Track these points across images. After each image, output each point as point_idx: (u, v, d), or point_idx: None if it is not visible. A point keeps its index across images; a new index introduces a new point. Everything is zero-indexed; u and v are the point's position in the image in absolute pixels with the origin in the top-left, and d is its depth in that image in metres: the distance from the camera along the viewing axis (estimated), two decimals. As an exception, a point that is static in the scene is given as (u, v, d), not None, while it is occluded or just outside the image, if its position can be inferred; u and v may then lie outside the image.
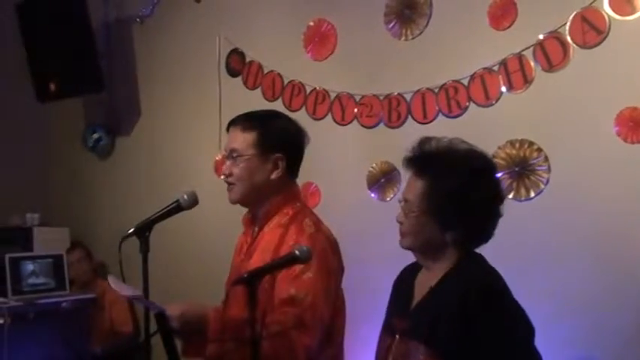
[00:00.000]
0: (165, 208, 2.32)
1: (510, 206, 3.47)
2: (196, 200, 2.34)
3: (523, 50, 3.52)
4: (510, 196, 3.53)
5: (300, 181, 4.25)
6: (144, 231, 2.27)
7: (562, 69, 3.42)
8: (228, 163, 2.50)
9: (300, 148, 2.55)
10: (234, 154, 2.47)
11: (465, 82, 3.71)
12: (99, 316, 4.93)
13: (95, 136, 5.51)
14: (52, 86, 4.97)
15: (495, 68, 3.61)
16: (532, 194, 3.50)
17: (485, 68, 3.64)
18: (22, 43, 5.21)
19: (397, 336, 2.08)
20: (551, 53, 3.44)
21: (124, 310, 4.93)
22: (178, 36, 5.12)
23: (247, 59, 4.66)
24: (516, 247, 3.49)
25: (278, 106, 4.37)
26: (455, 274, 2.04)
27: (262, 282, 2.21)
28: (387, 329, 2.17)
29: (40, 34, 5.11)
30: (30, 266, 4.64)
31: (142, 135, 5.44)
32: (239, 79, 4.70)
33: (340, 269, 2.49)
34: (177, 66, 5.13)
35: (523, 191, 3.52)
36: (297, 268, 2.26)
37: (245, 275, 1.96)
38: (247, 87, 4.65)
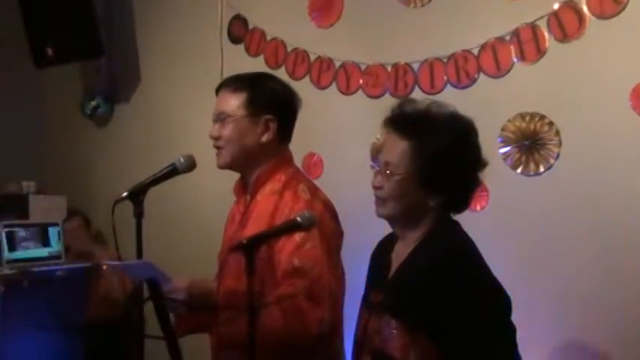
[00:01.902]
0: (161, 171, 2.22)
1: (519, 181, 3.48)
2: (194, 164, 2.24)
3: (537, 20, 3.40)
4: (519, 170, 3.45)
5: (302, 151, 4.26)
6: (138, 194, 2.17)
7: (577, 40, 3.30)
8: (216, 126, 2.40)
9: (292, 111, 2.45)
10: (223, 116, 2.38)
11: (476, 51, 3.59)
12: (98, 284, 4.85)
13: (93, 103, 5.39)
14: (50, 51, 4.84)
15: (507, 38, 3.49)
16: (542, 169, 3.39)
17: (496, 38, 3.52)
18: (18, 7, 5.07)
19: (374, 310, 1.98)
20: (566, 23, 3.32)
21: (122, 278, 4.86)
22: (180, 1, 4.99)
23: (250, 25, 4.53)
24: (523, 224, 3.43)
25: (281, 74, 4.20)
26: (427, 242, 1.94)
27: (261, 251, 2.12)
28: (365, 305, 2.08)
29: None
30: (24, 234, 4.54)
31: (141, 102, 5.32)
32: (241, 46, 4.58)
33: (340, 234, 2.40)
34: (178, 32, 5.00)
35: (532, 166, 3.42)
36: (298, 237, 2.17)
37: (244, 241, 1.86)
38: (249, 54, 4.53)
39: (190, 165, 2.24)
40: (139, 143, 5.26)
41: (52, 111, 5.84)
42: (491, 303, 1.85)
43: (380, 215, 2.00)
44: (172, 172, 2.22)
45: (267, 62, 4.41)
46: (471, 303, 1.80)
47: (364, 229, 2.03)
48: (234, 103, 2.37)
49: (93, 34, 4.94)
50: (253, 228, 2.26)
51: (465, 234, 1.98)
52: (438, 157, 1.89)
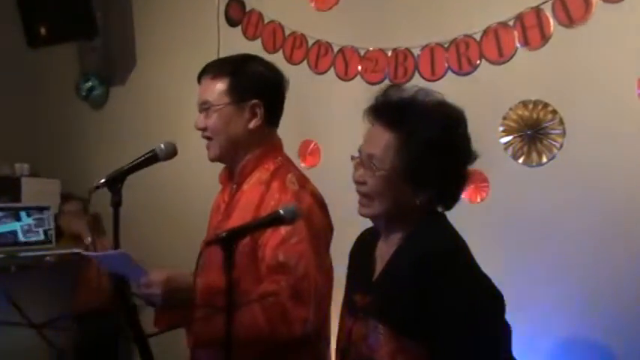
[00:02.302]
0: (140, 157, 2.13)
1: (520, 172, 3.37)
2: (174, 151, 2.15)
3: (541, 4, 3.28)
4: (520, 160, 3.35)
5: (299, 138, 4.15)
6: (116, 182, 2.07)
7: (583, 25, 3.18)
8: (201, 116, 2.28)
9: (279, 93, 2.34)
10: (206, 106, 2.26)
11: (478, 37, 3.47)
12: (88, 270, 4.75)
13: (88, 85, 5.30)
14: (43, 30, 4.72)
15: (510, 23, 3.37)
16: (544, 159, 3.28)
17: (499, 23, 3.40)
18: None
19: (360, 314, 1.86)
20: (572, 7, 3.20)
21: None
22: (177, -19, 4.87)
23: (247, 8, 4.42)
24: (524, 216, 3.33)
25: (278, 58, 4.14)
26: (413, 240, 1.81)
27: (243, 245, 2.02)
28: (349, 308, 1.95)
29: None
30: (14, 218, 4.44)
31: (137, 85, 5.21)
32: (238, 29, 4.46)
33: (329, 229, 2.29)
34: (175, 14, 4.90)
35: (534, 156, 3.31)
36: (283, 230, 2.06)
37: (223, 234, 1.75)
38: (247, 37, 4.41)
39: (171, 152, 2.14)
40: (134, 126, 5.15)
41: (47, 92, 5.74)
42: (482, 303, 1.73)
43: (365, 215, 1.87)
44: (152, 159, 2.13)
45: (264, 46, 4.30)
46: (461, 305, 1.69)
47: (363, 221, 1.91)
48: (216, 90, 2.26)
49: (87, 14, 4.83)
50: (238, 219, 2.15)
51: (452, 229, 1.85)
52: (426, 151, 1.76)
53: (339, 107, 3.99)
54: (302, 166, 4.03)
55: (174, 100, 4.90)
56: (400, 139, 1.78)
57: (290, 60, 4.16)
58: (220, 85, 2.25)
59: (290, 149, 4.28)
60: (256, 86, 2.26)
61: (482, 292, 1.74)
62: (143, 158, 2.12)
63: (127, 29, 5.19)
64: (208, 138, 2.29)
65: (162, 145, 2.13)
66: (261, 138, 2.29)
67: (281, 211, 1.82)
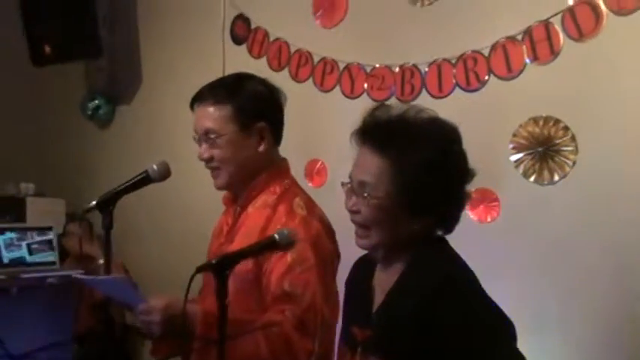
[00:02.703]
0: (133, 178, 2.06)
1: (532, 190, 3.25)
2: (168, 172, 2.08)
3: (550, 17, 3.18)
4: (532, 179, 3.24)
5: (305, 157, 4.07)
6: (107, 204, 2.00)
7: (594, 38, 3.07)
8: (204, 145, 2.19)
9: (281, 111, 2.27)
10: (211, 135, 2.17)
11: (486, 52, 3.38)
12: (92, 291, 4.68)
13: (94, 104, 5.25)
14: (47, 49, 4.68)
15: (519, 37, 3.28)
16: (556, 178, 3.17)
17: (507, 37, 3.31)
18: (17, 4, 4.93)
19: (359, 349, 1.76)
20: (582, 20, 3.09)
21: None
22: (183, 0, 4.84)
23: (253, 25, 4.36)
24: (536, 236, 3.22)
25: (284, 76, 4.10)
26: (415, 269, 1.70)
27: (246, 272, 1.94)
28: (346, 340, 1.85)
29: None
30: (17, 238, 4.36)
31: (143, 104, 5.17)
32: (244, 48, 4.41)
33: (337, 257, 2.21)
34: (180, 32, 4.85)
35: (546, 174, 3.20)
36: (289, 257, 1.99)
37: (213, 262, 1.67)
38: (252, 56, 4.35)
39: (164, 173, 2.08)
40: (140, 145, 5.11)
41: (52, 112, 5.70)
42: (491, 333, 1.63)
43: (362, 247, 1.78)
44: (145, 180, 2.07)
45: (269, 64, 4.24)
46: (468, 336, 1.59)
47: None
48: (220, 117, 2.17)
49: (92, 33, 4.81)
50: (241, 243, 2.08)
51: (456, 256, 1.75)
52: (420, 173, 1.67)
53: (346, 125, 3.88)
54: (309, 186, 3.95)
55: (180, 119, 4.81)
56: (392, 163, 1.69)
57: (295, 78, 4.10)
58: (223, 112, 2.17)
59: (296, 169, 4.21)
60: (260, 108, 2.20)
61: (491, 321, 1.64)
62: (136, 179, 2.07)
63: (133, 48, 5.16)
64: (215, 168, 2.20)
65: (154, 166, 2.06)
66: (269, 160, 2.22)
67: (276, 236, 1.74)
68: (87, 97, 5.34)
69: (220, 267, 1.66)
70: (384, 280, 1.79)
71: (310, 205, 2.21)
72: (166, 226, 4.81)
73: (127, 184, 2.07)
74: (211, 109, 2.18)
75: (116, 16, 5.23)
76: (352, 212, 1.76)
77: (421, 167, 1.67)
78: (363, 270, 1.89)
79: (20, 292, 4.09)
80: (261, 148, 2.19)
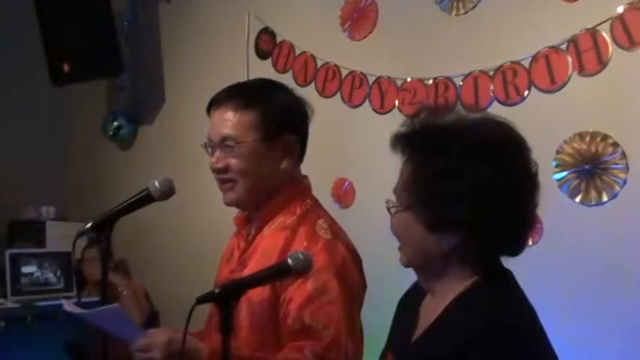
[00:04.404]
0: (132, 197, 1.85)
1: (578, 212, 2.98)
2: (171, 189, 1.87)
3: (598, 25, 2.97)
4: (578, 199, 3.02)
5: (331, 177, 3.86)
6: (104, 227, 1.78)
7: (646, 47, 2.86)
8: (219, 154, 1.97)
9: (306, 124, 2.04)
10: (230, 143, 1.94)
11: (526, 63, 3.18)
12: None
13: (116, 124, 5.09)
14: (67, 67, 4.54)
15: (563, 47, 3.07)
16: (605, 198, 2.95)
17: (550, 47, 3.10)
18: (36, 22, 4.81)
19: None
20: (633, 27, 2.88)
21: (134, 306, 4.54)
22: (206, 15, 4.69)
23: (278, 39, 4.19)
24: (583, 261, 3.00)
25: (310, 91, 3.91)
26: (464, 303, 1.45)
27: (262, 301, 1.71)
28: None
29: (55, 13, 4.68)
30: (34, 264, 4.21)
31: (165, 123, 5.01)
32: (269, 62, 4.24)
33: (363, 287, 1.98)
34: (204, 48, 4.71)
35: (594, 194, 2.97)
36: (310, 286, 1.77)
37: (216, 291, 1.44)
38: (277, 70, 4.17)
39: (168, 191, 1.86)
40: (163, 166, 4.93)
41: (74, 132, 5.61)
42: None
43: (401, 264, 1.57)
44: (146, 198, 1.86)
45: (295, 79, 4.05)
46: None
47: (405, 272, 1.59)
48: (242, 123, 1.95)
49: (113, 50, 4.69)
50: (256, 269, 1.85)
51: (517, 294, 1.50)
52: (434, 179, 1.44)
53: (375, 143, 3.69)
54: (335, 207, 3.74)
55: (204, 138, 4.67)
56: (415, 169, 1.47)
57: (322, 93, 3.92)
58: (245, 118, 1.94)
59: (322, 189, 3.97)
60: (289, 118, 1.97)
61: None
62: (135, 198, 1.86)
63: (156, 67, 5.02)
64: (229, 180, 1.98)
65: (156, 183, 1.85)
66: (290, 177, 2.00)
67: (289, 261, 1.51)
68: (108, 117, 5.20)
69: (225, 297, 1.43)
70: (429, 307, 1.55)
71: (335, 228, 1.98)
72: (191, 250, 4.62)
73: (126, 203, 1.86)
74: (233, 113, 1.96)
75: (138, 32, 5.10)
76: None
77: (436, 172, 1.44)
78: (415, 293, 1.66)
79: (35, 320, 3.93)
80: (285, 164, 1.97)
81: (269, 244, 1.93)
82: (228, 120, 1.97)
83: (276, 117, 1.96)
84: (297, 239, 1.90)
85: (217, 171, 2.00)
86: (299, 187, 2.04)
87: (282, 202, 1.99)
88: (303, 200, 2.01)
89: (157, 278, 4.88)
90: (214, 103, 2.03)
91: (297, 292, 1.80)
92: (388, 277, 1.86)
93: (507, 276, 1.52)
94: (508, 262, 1.57)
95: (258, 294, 1.83)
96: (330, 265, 1.84)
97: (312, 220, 1.94)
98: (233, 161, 1.95)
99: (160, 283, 4.82)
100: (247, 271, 1.89)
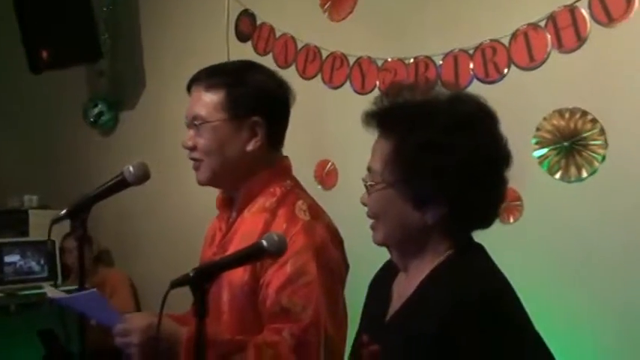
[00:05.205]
0: (107, 182, 1.84)
1: (557, 188, 3.00)
2: (146, 174, 1.86)
3: (576, 1, 2.97)
4: (557, 176, 3.04)
5: (314, 158, 3.85)
6: (79, 213, 1.77)
7: (624, 23, 2.87)
8: (191, 133, 1.97)
9: (283, 108, 2.01)
10: (198, 122, 1.94)
11: (506, 41, 3.18)
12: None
13: (96, 110, 5.07)
14: (45, 54, 4.50)
15: (542, 24, 3.08)
16: (584, 174, 2.97)
17: (529, 24, 3.11)
18: (13, 9, 4.77)
19: None
20: (611, 4, 2.89)
21: (126, 299, 4.52)
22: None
23: (258, 21, 4.17)
24: (563, 237, 3.02)
25: (291, 73, 3.89)
26: (439, 277, 1.45)
27: (241, 285, 1.71)
28: (355, 350, 1.62)
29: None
30: (17, 253, 4.19)
31: (147, 108, 4.98)
32: (249, 45, 4.22)
33: (345, 268, 1.96)
34: (184, 32, 4.68)
35: (573, 170, 2.99)
36: (289, 268, 1.76)
37: (191, 274, 1.43)
38: (258, 52, 4.16)
39: (142, 175, 1.85)
40: (146, 152, 4.90)
41: (55, 120, 5.55)
42: None
43: (375, 242, 1.56)
44: (121, 183, 1.84)
45: (276, 61, 4.04)
46: None
47: (383, 251, 1.59)
48: (210, 103, 1.94)
49: (91, 36, 4.64)
50: None
51: (492, 268, 1.49)
52: (424, 151, 1.42)
53: (357, 124, 3.68)
54: (318, 188, 3.74)
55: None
56: (394, 144, 1.46)
57: (303, 74, 3.91)
58: (215, 98, 1.93)
59: (305, 171, 3.97)
60: (258, 100, 1.95)
61: (527, 353, 1.39)
62: (110, 184, 1.85)
63: (136, 51, 4.99)
64: (197, 159, 1.98)
65: (131, 168, 1.83)
66: (265, 161, 1.98)
67: (263, 242, 1.50)
68: (89, 103, 5.17)
69: (198, 280, 1.42)
70: (402, 287, 1.55)
71: (315, 209, 1.97)
72: (176, 236, 4.61)
73: (101, 188, 1.85)
74: (204, 93, 1.96)
75: (117, 17, 5.05)
76: (364, 205, 1.56)
77: (421, 146, 1.43)
78: (388, 271, 1.66)
79: (19, 309, 3.91)
80: (251, 146, 1.95)
81: (249, 227, 1.93)
82: (200, 99, 1.97)
83: (245, 99, 1.94)
84: (277, 221, 1.89)
85: (188, 149, 2.00)
86: (278, 169, 2.03)
87: (260, 184, 1.98)
88: (282, 181, 2.00)
89: (142, 265, 4.88)
90: (193, 82, 2.02)
91: (275, 275, 1.79)
92: (372, 258, 1.86)
93: (481, 249, 1.53)
94: (489, 239, 1.58)
95: (238, 278, 1.82)
96: (308, 246, 1.83)
97: (292, 202, 1.94)
98: (200, 140, 1.96)
99: (146, 271, 4.81)
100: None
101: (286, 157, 2.08)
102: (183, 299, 1.65)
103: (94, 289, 1.73)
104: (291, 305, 1.76)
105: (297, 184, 2.05)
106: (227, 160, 1.94)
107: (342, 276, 1.95)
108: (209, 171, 1.96)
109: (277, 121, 2.01)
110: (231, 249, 1.91)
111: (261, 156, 1.97)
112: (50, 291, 1.87)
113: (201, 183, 2.02)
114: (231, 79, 1.96)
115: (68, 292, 1.90)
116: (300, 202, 1.94)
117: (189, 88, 2.04)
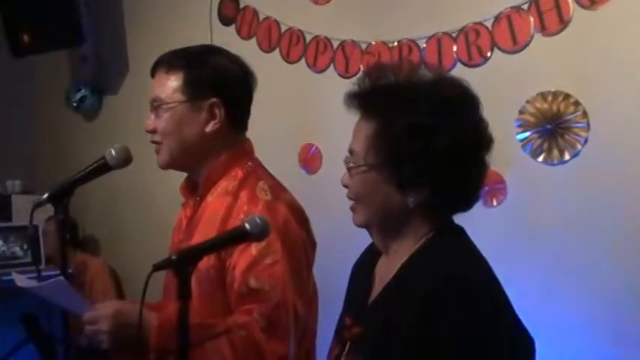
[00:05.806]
0: (89, 166, 1.84)
1: (540, 171, 3.01)
2: (128, 157, 1.85)
3: (558, -17, 2.97)
4: (540, 159, 3.04)
5: (298, 142, 3.84)
6: (61, 197, 1.76)
7: (606, 5, 2.86)
8: (151, 116, 1.98)
9: (244, 91, 2.02)
10: (156, 104, 1.96)
11: (489, 24, 3.17)
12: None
13: (79, 94, 5.03)
14: (26, 38, 4.45)
15: (525, 7, 3.07)
16: (567, 156, 2.97)
17: (512, 7, 3.10)
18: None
19: (347, 344, 1.54)
20: (593, -14, 2.89)
21: (107, 285, 4.50)
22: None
23: (241, 5, 4.14)
24: (546, 220, 3.02)
25: (275, 57, 3.89)
26: (419, 261, 1.46)
27: (207, 269, 1.71)
28: (338, 331, 1.63)
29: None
30: (-1, 238, 4.17)
31: (130, 92, 4.94)
32: (232, 29, 4.19)
33: (311, 245, 1.97)
34: (167, 16, 4.65)
35: (556, 153, 2.99)
36: (255, 249, 1.76)
37: (173, 257, 1.44)
38: (241, 36, 4.14)
39: (124, 158, 1.86)
40: (130, 136, 4.81)
41: (37, 104, 5.52)
42: (505, 353, 1.38)
43: (355, 224, 1.56)
44: (103, 167, 1.84)
45: (259, 45, 4.03)
46: (477, 351, 1.34)
47: (367, 234, 1.60)
48: (169, 85, 1.95)
49: (73, 19, 4.58)
50: (201, 236, 1.84)
51: (472, 250, 1.50)
52: (408, 135, 1.42)
53: (341, 107, 3.67)
54: (302, 172, 3.74)
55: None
56: (377, 127, 1.47)
57: (287, 58, 3.90)
58: (174, 80, 1.95)
59: (289, 154, 3.97)
60: (216, 82, 1.95)
61: (513, 339, 1.40)
62: (92, 167, 1.85)
63: (119, 35, 4.94)
64: (157, 142, 1.99)
65: (112, 151, 1.83)
66: (225, 143, 1.99)
67: (246, 225, 1.50)
68: (72, 87, 5.13)
69: (181, 263, 1.42)
70: (383, 270, 1.56)
71: (276, 188, 1.97)
72: (159, 222, 4.59)
73: (83, 172, 1.84)
74: (164, 76, 1.97)
75: (100, 1, 5.00)
76: (345, 187, 1.56)
77: (405, 129, 1.43)
78: (370, 254, 1.67)
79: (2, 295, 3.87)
80: (209, 127, 1.94)
81: (212, 211, 1.93)
82: (160, 82, 1.98)
83: (202, 80, 1.94)
84: (238, 203, 1.89)
85: (149, 132, 2.01)
86: (239, 150, 2.02)
87: (222, 167, 1.98)
88: (244, 163, 2.00)
89: (127, 251, 4.87)
90: (156, 65, 2.03)
91: (241, 257, 1.79)
92: (355, 241, 1.86)
93: (461, 231, 1.54)
94: (474, 222, 1.59)
95: (204, 263, 1.80)
96: (271, 226, 1.83)
97: (253, 183, 1.94)
98: (159, 123, 1.97)
99: (131, 257, 4.80)
100: (194, 241, 1.86)
101: (248, 139, 2.08)
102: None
103: (61, 278, 1.72)
104: (259, 286, 1.77)
105: (258, 165, 2.06)
106: (185, 141, 1.95)
107: (307, 254, 1.95)
108: (167, 154, 1.97)
109: (237, 103, 2.01)
110: (197, 234, 1.92)
111: (222, 138, 1.97)
112: (18, 279, 1.85)
113: (161, 166, 2.02)
114: (191, 62, 1.97)
115: (38, 279, 1.88)
116: (261, 183, 1.94)
117: (152, 72, 2.04)
